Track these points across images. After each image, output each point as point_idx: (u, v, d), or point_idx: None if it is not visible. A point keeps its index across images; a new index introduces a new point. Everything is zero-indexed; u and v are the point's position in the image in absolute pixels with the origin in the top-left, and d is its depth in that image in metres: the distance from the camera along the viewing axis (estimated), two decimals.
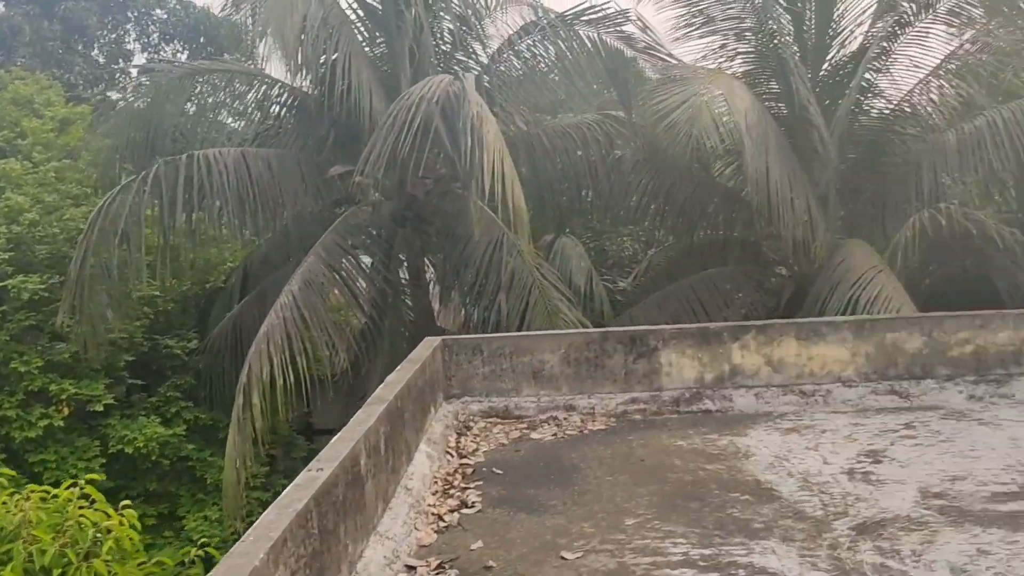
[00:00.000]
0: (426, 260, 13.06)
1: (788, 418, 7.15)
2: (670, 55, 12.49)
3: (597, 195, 13.86)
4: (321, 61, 11.63)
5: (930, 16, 12.28)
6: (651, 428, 7.12)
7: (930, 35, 12.37)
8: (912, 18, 12.17)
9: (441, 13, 12.77)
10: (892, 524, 4.85)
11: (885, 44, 12.38)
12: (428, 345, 7.15)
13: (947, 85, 12.79)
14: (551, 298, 10.81)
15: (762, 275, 13.91)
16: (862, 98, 12.80)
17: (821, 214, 12.02)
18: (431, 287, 13.32)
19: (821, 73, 12.99)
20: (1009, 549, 4.43)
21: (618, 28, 12.22)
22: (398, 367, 6.24)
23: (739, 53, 13.12)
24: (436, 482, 5.81)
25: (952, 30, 12.63)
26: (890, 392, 7.41)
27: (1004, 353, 7.43)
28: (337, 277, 11.11)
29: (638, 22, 12.66)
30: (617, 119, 13.09)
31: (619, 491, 5.63)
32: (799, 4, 12.80)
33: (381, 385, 5.69)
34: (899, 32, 12.29)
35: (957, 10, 12.45)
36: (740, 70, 13.31)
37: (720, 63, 13.10)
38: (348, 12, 12.39)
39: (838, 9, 12.73)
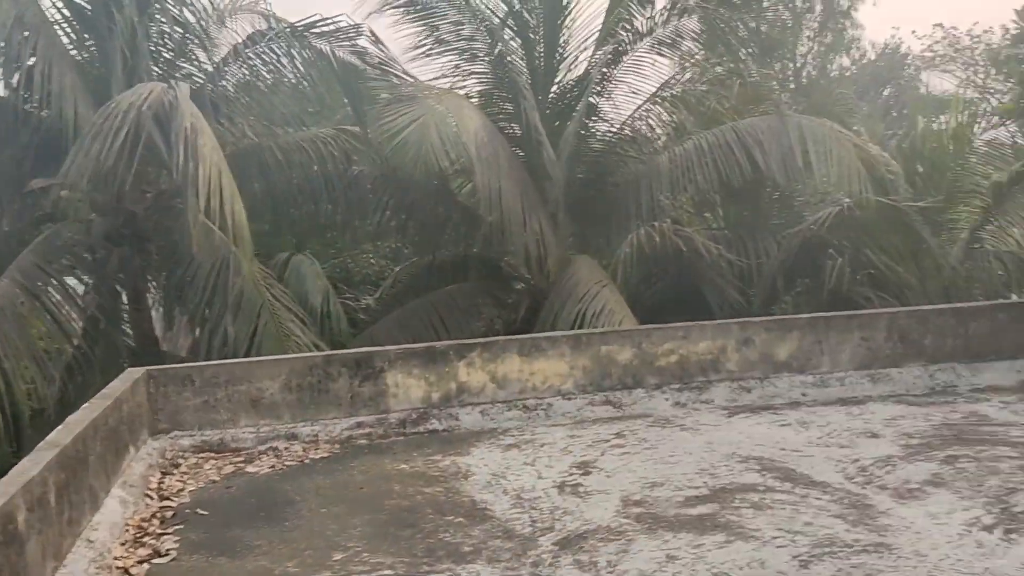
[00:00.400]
0: (149, 281, 12.10)
1: (511, 434, 7.26)
2: (406, 72, 12.45)
3: (336, 211, 13.54)
4: (17, 63, 10.45)
5: (645, 46, 13.14)
6: (375, 453, 6.96)
7: (646, 64, 13.23)
8: (629, 47, 12.97)
9: (158, 16, 11.91)
10: (593, 536, 4.99)
11: (606, 70, 13.09)
12: (128, 377, 6.53)
13: (663, 111, 13.78)
14: (283, 320, 10.36)
15: (502, 291, 14.21)
16: (588, 121, 13.42)
17: (553, 231, 12.46)
18: (155, 310, 12.35)
19: (551, 96, 13.50)
20: (695, 553, 4.69)
21: (352, 42, 12.02)
22: (85, 404, 5.63)
23: (473, 73, 13.34)
24: (128, 530, 5.28)
25: (665, 60, 13.61)
26: (605, 403, 7.75)
27: (704, 361, 8.01)
28: (38, 303, 9.98)
29: (375, 37, 12.53)
30: (354, 135, 12.86)
31: (332, 523, 5.41)
32: (528, 29, 13.26)
33: (59, 427, 5.09)
34: (618, 60, 13.05)
35: (668, 41, 13.41)
36: (475, 90, 13.54)
37: (456, 83, 13.26)
38: (51, 11, 11.22)
39: (564, 35, 13.30)
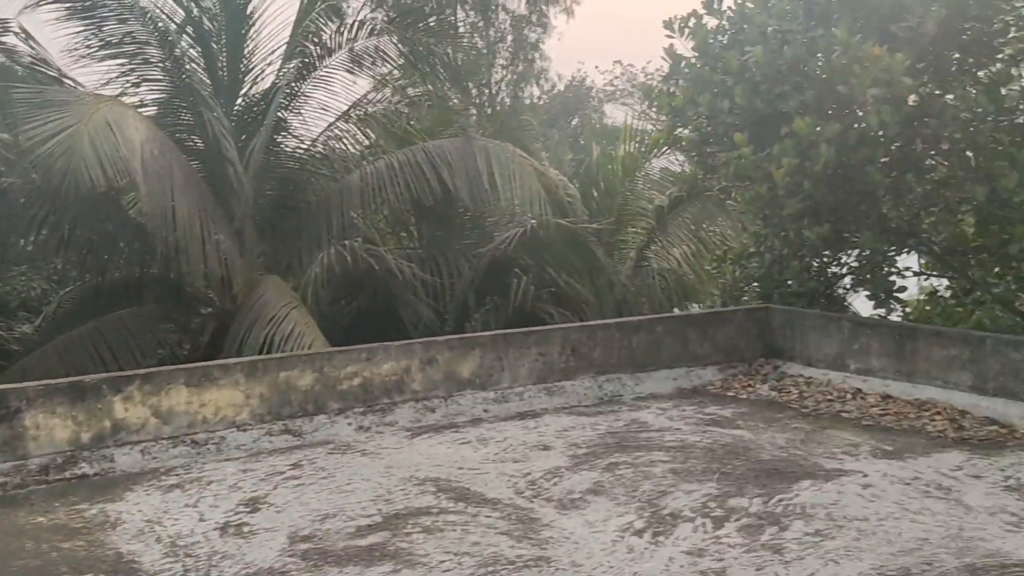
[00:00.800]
0: None
1: (175, 473, 6.63)
2: (63, 75, 11.23)
3: None
4: None
5: (335, 62, 12.93)
6: (8, 505, 6.03)
7: (336, 80, 13.03)
8: (318, 62, 12.69)
9: None
10: None
11: (295, 85, 12.72)
12: None
13: (356, 129, 13.65)
14: None
15: (185, 315, 13.24)
16: (277, 136, 12.97)
17: (239, 250, 11.85)
18: None
19: (236, 108, 12.87)
20: None
21: None
22: None
23: (147, 80, 12.36)
24: None
25: (357, 77, 13.47)
26: (284, 432, 7.35)
27: (388, 383, 7.88)
28: None
29: (26, 34, 11.18)
30: (2, 142, 11.34)
31: None
32: (210, 37, 12.54)
33: None
34: (308, 74, 12.73)
35: (360, 60, 13.30)
36: (151, 98, 12.58)
37: (127, 89, 12.21)
38: None
39: (249, 45, 12.76)
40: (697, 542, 4.92)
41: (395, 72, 13.95)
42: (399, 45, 13.43)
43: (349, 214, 12.44)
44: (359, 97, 13.61)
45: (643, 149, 14.67)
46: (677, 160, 15.48)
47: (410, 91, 14.60)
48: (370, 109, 13.70)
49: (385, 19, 14.45)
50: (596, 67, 46.86)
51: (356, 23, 12.85)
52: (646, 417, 7.76)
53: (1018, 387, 6.87)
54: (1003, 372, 6.99)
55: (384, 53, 13.54)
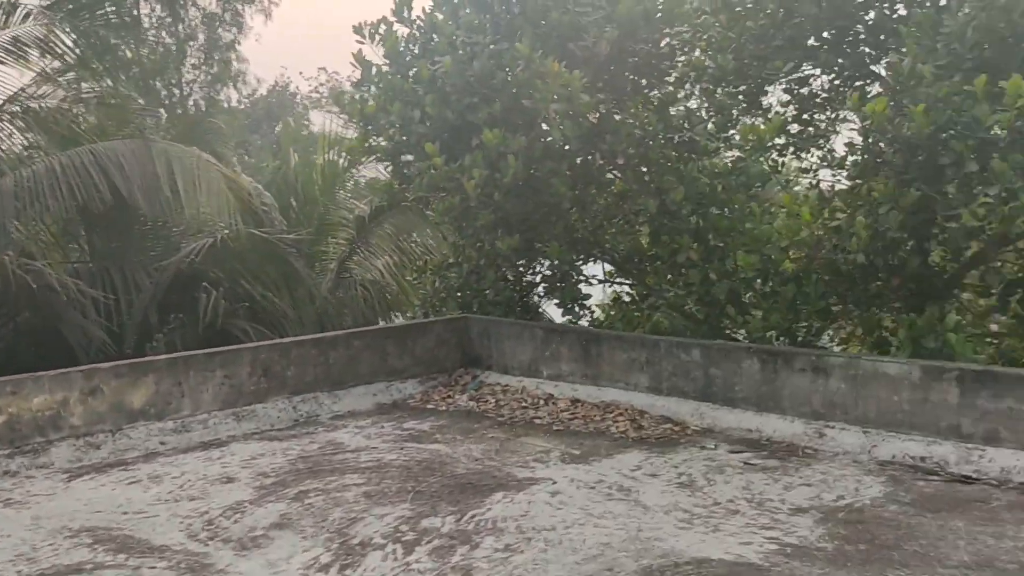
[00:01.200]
0: None
1: None
2: None
3: None
4: None
5: None
6: None
7: None
8: None
9: None
10: None
11: None
12: None
13: (11, 127, 11.96)
14: None
15: None
16: None
17: None
18: None
19: None
20: None
21: None
22: None
23: None
24: None
25: (11, 70, 11.83)
26: None
27: (42, 419, 6.85)
28: None
29: None
30: None
31: None
32: None
33: None
34: None
35: (17, 49, 11.68)
36: None
37: None
38: None
39: None
40: (386, 572, 4.65)
41: (59, 64, 12.41)
42: (62, 37, 11.97)
43: (1, 223, 10.79)
44: (15, 91, 11.95)
45: (348, 157, 14.26)
46: (383, 170, 15.25)
47: (84, 87, 13.10)
48: (30, 105, 12.07)
49: (46, 6, 12.81)
50: (301, 73, 45.78)
51: (8, 5, 11.22)
52: (343, 437, 7.40)
53: (688, 386, 7.39)
54: (675, 373, 7.48)
55: (46, 43, 12.00)
